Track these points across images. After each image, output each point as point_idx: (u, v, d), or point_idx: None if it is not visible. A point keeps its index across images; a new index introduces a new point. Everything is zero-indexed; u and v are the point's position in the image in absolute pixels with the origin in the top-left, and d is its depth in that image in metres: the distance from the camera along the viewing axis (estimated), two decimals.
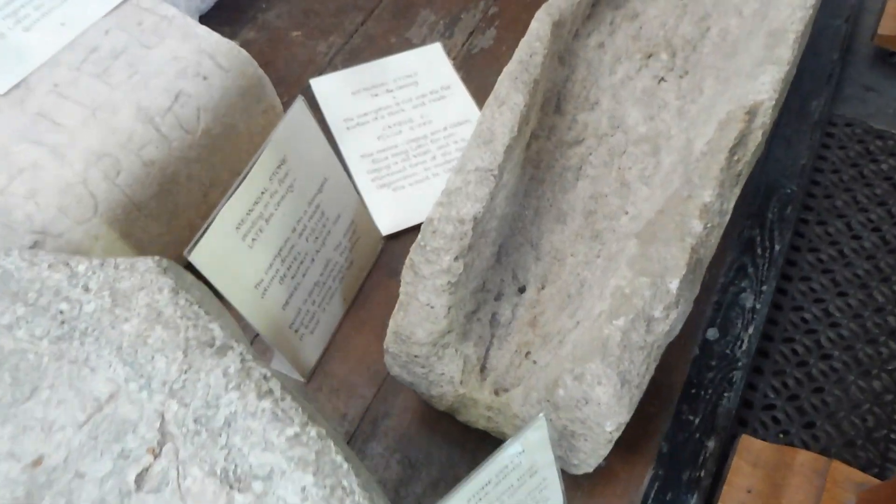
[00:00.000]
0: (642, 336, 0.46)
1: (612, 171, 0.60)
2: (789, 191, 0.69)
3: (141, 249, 0.53)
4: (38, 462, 0.28)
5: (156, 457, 0.28)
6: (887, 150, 0.74)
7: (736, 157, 0.52)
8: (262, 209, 0.49)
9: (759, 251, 0.65)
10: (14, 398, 0.29)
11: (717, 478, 0.55)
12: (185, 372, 0.30)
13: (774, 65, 0.54)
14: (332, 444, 0.30)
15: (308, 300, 0.55)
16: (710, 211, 0.50)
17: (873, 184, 0.72)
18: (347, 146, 0.69)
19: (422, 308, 0.46)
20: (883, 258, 0.67)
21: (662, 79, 0.65)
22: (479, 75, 0.76)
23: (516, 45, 0.55)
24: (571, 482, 0.53)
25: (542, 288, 0.55)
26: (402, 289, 0.48)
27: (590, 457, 0.48)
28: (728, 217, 0.52)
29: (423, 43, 0.78)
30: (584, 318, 0.50)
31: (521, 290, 0.54)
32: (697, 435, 0.56)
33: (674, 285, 0.47)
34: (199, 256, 0.44)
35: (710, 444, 0.56)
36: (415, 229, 0.64)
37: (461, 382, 0.49)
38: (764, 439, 0.58)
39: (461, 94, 0.73)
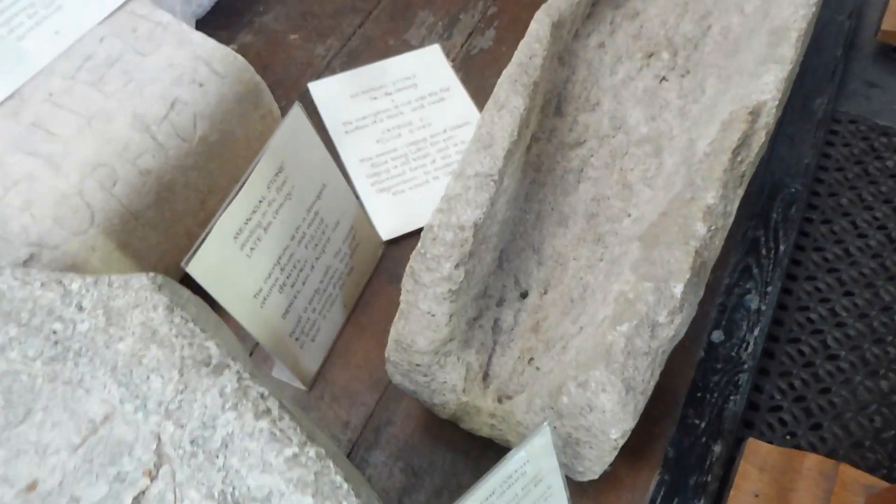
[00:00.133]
0: (647, 342, 0.45)
1: (613, 173, 0.59)
2: (793, 190, 0.68)
3: (139, 259, 0.53)
4: (32, 487, 0.27)
5: (152, 479, 0.28)
6: (892, 147, 0.73)
7: (739, 158, 0.52)
8: (261, 218, 0.48)
9: (763, 252, 0.64)
10: (7, 421, 0.29)
11: (724, 482, 0.55)
12: (181, 392, 0.30)
13: (777, 64, 0.53)
14: (331, 464, 0.29)
15: (308, 308, 0.55)
16: (713, 213, 0.49)
17: (878, 181, 0.71)
18: (346, 150, 0.69)
19: (423, 316, 0.46)
20: (889, 256, 0.66)
21: (664, 78, 0.64)
22: (478, 76, 0.75)
23: (516, 46, 0.54)
24: (577, 489, 0.52)
25: (545, 293, 0.54)
26: (402, 297, 0.47)
27: (595, 464, 0.47)
28: (732, 218, 0.51)
29: (421, 44, 0.77)
30: (587, 324, 0.49)
31: (524, 295, 0.54)
32: (703, 439, 0.55)
33: (678, 290, 0.46)
34: (197, 267, 0.44)
35: (717, 448, 0.55)
36: (415, 234, 0.63)
37: (464, 390, 0.48)
38: (771, 442, 0.57)
39: (460, 96, 0.73)
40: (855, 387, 0.60)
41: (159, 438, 0.29)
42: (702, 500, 0.53)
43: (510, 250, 0.54)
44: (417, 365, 0.47)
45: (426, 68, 0.74)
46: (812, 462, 0.54)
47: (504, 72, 0.53)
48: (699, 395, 0.57)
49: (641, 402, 0.46)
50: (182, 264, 0.43)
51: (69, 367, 0.30)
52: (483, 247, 0.49)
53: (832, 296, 0.65)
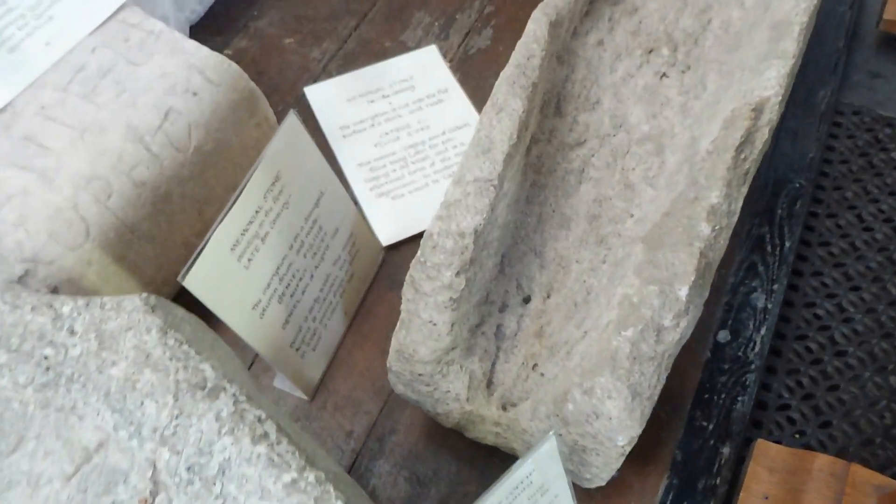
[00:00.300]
0: (652, 346, 0.44)
1: (615, 173, 0.59)
2: (798, 185, 0.67)
3: (136, 272, 0.52)
4: None
5: None
6: None
7: (743, 156, 0.51)
8: (258, 228, 0.48)
9: (768, 249, 0.63)
10: None
11: (733, 484, 0.54)
12: (177, 417, 0.29)
13: (780, 59, 0.52)
14: (331, 488, 0.29)
15: (308, 317, 0.54)
16: (717, 213, 0.48)
17: (884, 173, 0.70)
18: (344, 155, 0.68)
19: (424, 325, 0.45)
20: None
21: (664, 74, 0.63)
22: (476, 77, 0.74)
23: (514, 45, 0.53)
24: (584, 495, 0.52)
25: (548, 297, 0.53)
26: (402, 306, 0.46)
27: (602, 471, 0.47)
28: (736, 217, 0.50)
29: (418, 46, 0.76)
30: (591, 328, 0.48)
31: (526, 300, 0.53)
32: (712, 441, 0.55)
33: (683, 292, 0.45)
34: (194, 281, 0.43)
35: (725, 450, 0.54)
36: (416, 238, 0.63)
37: (468, 399, 0.48)
38: (779, 441, 0.57)
39: (459, 98, 0.72)
40: (864, 383, 0.60)
41: (155, 466, 0.28)
42: None
43: (512, 255, 0.53)
44: (420, 375, 0.47)
45: (423, 70, 0.74)
46: (822, 463, 0.53)
47: (502, 73, 0.52)
48: (706, 396, 0.56)
49: (648, 408, 0.45)
50: (178, 278, 0.43)
51: (61, 394, 0.29)
52: (484, 253, 0.48)
53: (839, 291, 0.64)
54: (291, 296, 0.52)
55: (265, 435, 0.29)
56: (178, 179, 0.53)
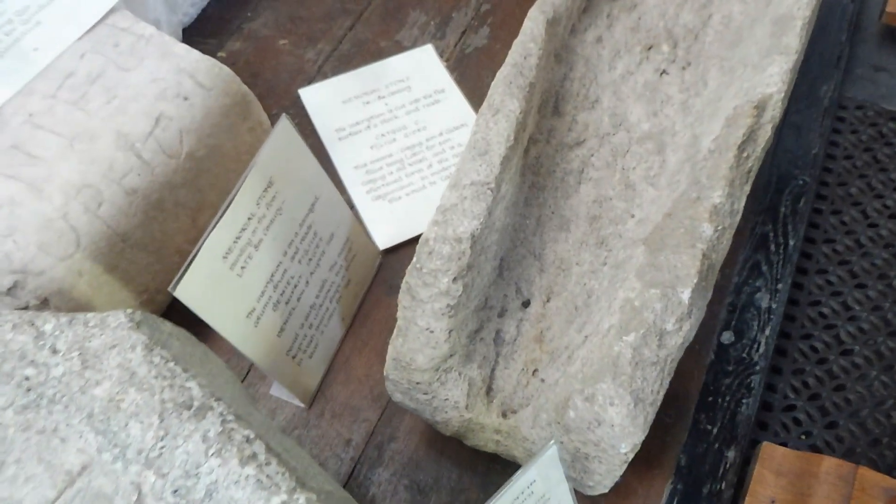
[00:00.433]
0: (654, 351, 0.44)
1: (615, 173, 0.58)
2: (802, 182, 0.66)
3: (128, 282, 0.51)
4: None
5: None
6: None
7: (745, 154, 0.50)
8: (251, 236, 0.47)
9: (772, 248, 0.62)
10: None
11: (739, 488, 0.53)
12: (162, 439, 0.28)
13: (782, 55, 0.51)
14: None
15: (305, 324, 0.53)
16: (720, 213, 0.47)
17: (888, 168, 0.69)
18: (340, 157, 0.67)
19: (421, 333, 0.44)
20: None
21: (664, 71, 0.62)
22: (473, 76, 0.73)
23: (511, 43, 0.52)
24: (587, 501, 0.51)
25: (548, 301, 0.52)
26: (399, 313, 0.45)
27: (605, 478, 0.46)
28: (739, 216, 0.49)
29: (414, 45, 0.75)
30: (592, 333, 0.47)
31: (526, 304, 0.52)
32: (717, 445, 0.54)
33: (686, 295, 0.44)
34: (185, 291, 0.42)
35: (731, 453, 0.53)
36: (413, 242, 0.62)
37: (467, 407, 0.47)
38: (785, 442, 0.56)
39: (456, 98, 0.71)
40: (870, 382, 0.59)
41: (140, 489, 0.27)
42: None
43: (510, 258, 0.52)
44: (418, 383, 0.46)
45: (420, 70, 0.72)
46: (830, 465, 0.52)
47: (498, 73, 0.51)
48: (710, 399, 0.56)
49: (651, 414, 0.44)
50: (169, 288, 0.42)
51: (43, 416, 0.28)
52: (482, 257, 0.47)
53: (844, 289, 0.63)
54: (287, 303, 0.51)
55: (253, 456, 0.28)
56: (170, 186, 0.52)
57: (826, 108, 0.70)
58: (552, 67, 0.58)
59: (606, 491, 0.47)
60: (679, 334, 0.44)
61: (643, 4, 0.64)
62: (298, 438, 0.54)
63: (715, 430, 0.54)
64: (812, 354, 0.60)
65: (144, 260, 0.52)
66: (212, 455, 0.28)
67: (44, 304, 0.47)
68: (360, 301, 0.60)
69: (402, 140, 0.68)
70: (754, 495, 0.52)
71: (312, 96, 0.71)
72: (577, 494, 0.47)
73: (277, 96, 0.72)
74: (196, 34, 0.75)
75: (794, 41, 0.52)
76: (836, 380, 0.59)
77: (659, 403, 0.45)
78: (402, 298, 0.45)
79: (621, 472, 0.45)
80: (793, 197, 0.65)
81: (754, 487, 0.52)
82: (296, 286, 0.52)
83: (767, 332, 0.58)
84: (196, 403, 0.29)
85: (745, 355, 0.57)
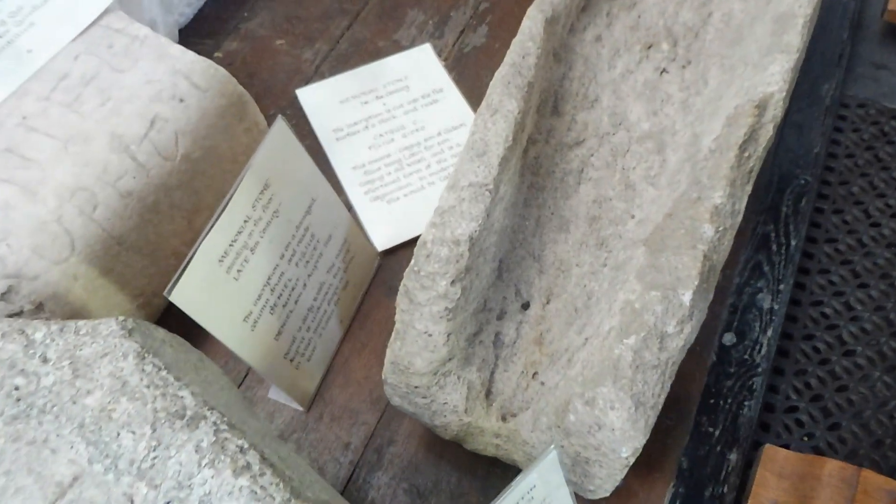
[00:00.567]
0: (655, 354, 0.43)
1: (615, 173, 0.57)
2: (803, 182, 0.65)
3: (124, 285, 0.51)
4: None
5: None
6: None
7: (746, 154, 0.49)
8: (247, 239, 0.46)
9: (774, 248, 0.62)
10: None
11: (741, 491, 0.53)
12: (154, 449, 0.28)
13: (783, 53, 0.51)
14: None
15: (302, 327, 0.53)
16: (721, 213, 0.47)
17: (890, 167, 0.69)
18: (338, 158, 0.66)
19: (419, 336, 0.44)
20: None
21: (664, 70, 0.62)
22: (472, 75, 0.73)
23: (510, 41, 0.52)
24: None
25: (547, 302, 0.52)
26: (397, 316, 0.45)
27: (606, 482, 0.45)
28: (740, 217, 0.49)
29: (412, 45, 0.74)
30: (592, 335, 0.47)
31: (525, 306, 0.52)
32: (718, 447, 0.53)
33: (687, 297, 0.44)
34: (181, 295, 0.42)
35: (733, 456, 0.53)
36: (412, 243, 0.61)
37: (466, 411, 0.46)
38: (788, 444, 0.55)
39: (454, 97, 0.70)
40: (873, 383, 0.58)
41: (132, 501, 0.26)
42: None
43: (510, 260, 0.52)
44: (416, 387, 0.45)
45: (418, 69, 0.72)
46: (832, 468, 0.51)
47: (496, 73, 0.51)
48: (712, 401, 0.55)
49: (652, 417, 0.44)
50: (165, 293, 0.42)
51: (33, 426, 0.28)
52: (480, 259, 0.47)
53: (846, 289, 0.62)
54: (284, 306, 0.51)
55: (247, 466, 0.28)
56: (165, 189, 0.52)
57: (828, 107, 0.70)
58: (551, 66, 0.58)
59: (607, 495, 0.46)
60: (680, 337, 0.44)
61: (643, 2, 0.63)
62: (297, 442, 0.54)
63: (717, 433, 0.54)
64: (814, 355, 0.59)
65: (140, 263, 0.52)
66: (205, 466, 0.27)
67: (38, 308, 0.47)
68: (358, 303, 0.59)
69: (400, 140, 0.67)
70: (756, 498, 0.51)
71: (310, 96, 0.70)
72: (578, 498, 0.47)
73: (275, 96, 0.71)
74: (192, 34, 0.75)
75: (795, 39, 0.51)
76: (838, 381, 0.58)
77: (660, 407, 0.44)
78: (400, 302, 0.45)
79: (622, 477, 0.45)
80: (794, 196, 0.65)
81: (756, 490, 0.51)
82: (293, 289, 0.51)
83: (769, 333, 0.58)
84: (189, 413, 0.28)
85: (746, 357, 0.57)
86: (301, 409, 0.55)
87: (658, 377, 0.43)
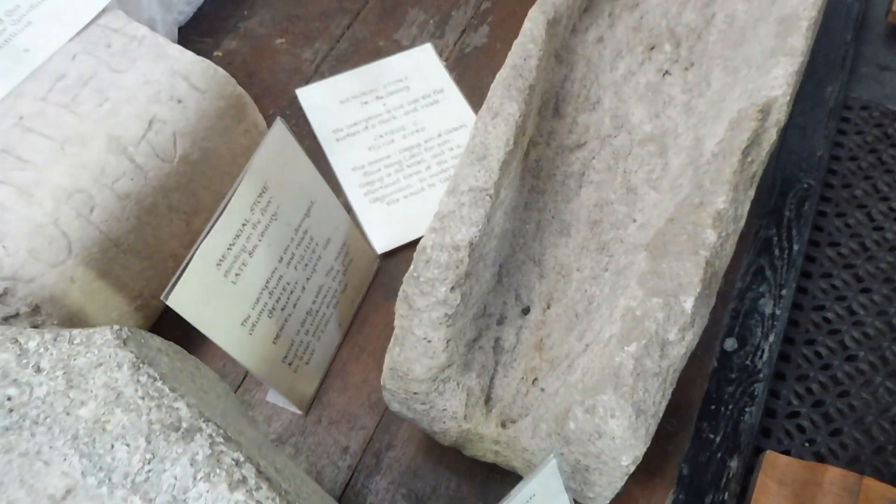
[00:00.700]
0: (657, 362, 0.43)
1: (617, 176, 0.57)
2: (806, 185, 0.65)
3: (122, 288, 0.50)
4: None
5: None
6: None
7: (749, 159, 0.49)
8: (245, 242, 0.46)
9: (776, 252, 0.61)
10: None
11: (742, 498, 0.52)
12: (149, 462, 0.27)
13: (787, 56, 0.50)
14: None
15: (301, 331, 0.52)
16: (724, 219, 0.46)
17: (893, 170, 0.68)
18: (337, 159, 0.66)
19: (418, 343, 0.43)
20: None
21: (667, 72, 0.61)
22: (473, 76, 0.72)
23: (512, 41, 0.51)
24: None
25: (548, 307, 0.51)
26: (396, 322, 0.44)
27: (606, 490, 0.45)
28: (743, 222, 0.48)
29: (412, 44, 0.74)
30: (593, 341, 0.47)
31: (525, 311, 0.51)
32: (719, 454, 0.53)
33: (688, 304, 0.44)
34: (178, 299, 0.42)
35: (733, 463, 0.53)
36: (411, 245, 0.61)
37: (465, 417, 0.46)
38: (789, 450, 0.55)
39: (455, 98, 0.70)
40: (875, 388, 0.58)
41: None
42: None
43: (510, 264, 0.51)
44: (415, 393, 0.45)
45: (418, 69, 0.71)
46: (834, 475, 0.51)
47: (497, 75, 0.50)
48: (713, 407, 0.55)
49: (653, 425, 0.43)
50: (162, 297, 0.41)
51: (25, 438, 0.27)
52: (480, 264, 0.46)
53: (849, 293, 0.62)
54: (282, 310, 0.50)
55: (243, 480, 0.27)
56: (163, 190, 0.51)
57: (831, 109, 0.69)
58: (552, 68, 0.57)
59: (607, 503, 0.46)
60: (682, 344, 0.44)
61: (645, 3, 0.62)
62: (295, 446, 0.54)
63: (717, 439, 0.53)
64: (816, 360, 0.59)
65: (138, 265, 0.51)
66: (200, 479, 0.27)
67: (35, 311, 0.46)
68: (357, 306, 0.59)
69: (400, 141, 0.67)
70: None
71: (309, 96, 0.70)
72: None
73: (274, 96, 0.71)
74: (192, 33, 0.74)
75: (799, 42, 0.51)
76: (840, 386, 0.58)
77: (661, 414, 0.44)
78: (399, 307, 0.44)
79: (622, 485, 0.44)
80: (797, 200, 0.64)
81: (757, 497, 0.51)
82: (291, 292, 0.51)
83: (771, 338, 0.57)
84: (184, 425, 0.28)
85: (748, 363, 0.56)
86: (299, 412, 0.54)
87: (659, 385, 0.43)
